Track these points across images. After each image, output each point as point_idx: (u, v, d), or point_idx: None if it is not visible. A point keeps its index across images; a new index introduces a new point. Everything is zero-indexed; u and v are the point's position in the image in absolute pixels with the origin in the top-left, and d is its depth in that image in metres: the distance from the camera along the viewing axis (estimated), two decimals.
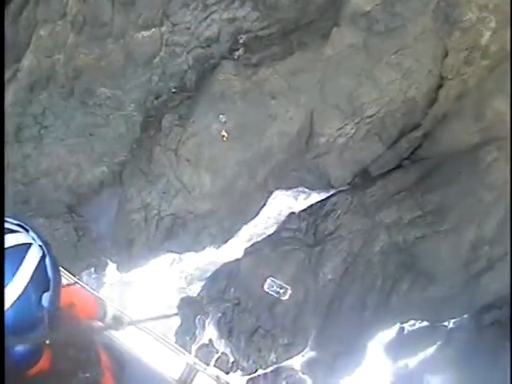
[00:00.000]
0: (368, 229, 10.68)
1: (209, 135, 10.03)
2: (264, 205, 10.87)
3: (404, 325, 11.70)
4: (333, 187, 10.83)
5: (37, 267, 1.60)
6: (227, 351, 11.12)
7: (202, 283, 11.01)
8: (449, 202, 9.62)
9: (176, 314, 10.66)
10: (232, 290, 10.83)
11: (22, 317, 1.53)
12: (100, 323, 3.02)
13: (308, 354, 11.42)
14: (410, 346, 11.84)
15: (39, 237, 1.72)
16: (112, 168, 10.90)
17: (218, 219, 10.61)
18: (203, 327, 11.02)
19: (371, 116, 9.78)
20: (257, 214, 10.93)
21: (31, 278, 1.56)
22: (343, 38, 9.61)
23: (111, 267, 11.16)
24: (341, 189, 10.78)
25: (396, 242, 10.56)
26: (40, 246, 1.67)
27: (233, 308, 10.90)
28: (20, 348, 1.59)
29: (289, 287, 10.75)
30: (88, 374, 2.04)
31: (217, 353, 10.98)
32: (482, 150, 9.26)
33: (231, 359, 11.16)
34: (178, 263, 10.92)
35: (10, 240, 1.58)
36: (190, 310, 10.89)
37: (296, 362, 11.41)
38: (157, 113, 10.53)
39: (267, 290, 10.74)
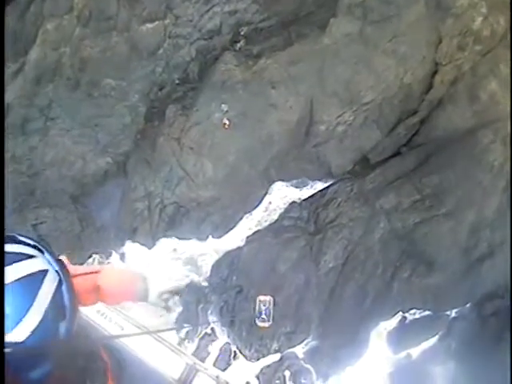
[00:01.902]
0: (368, 216, 10.84)
1: (211, 124, 10.28)
2: (266, 194, 11.05)
3: (406, 314, 11.77)
4: (333, 176, 11.02)
5: (53, 296, 1.54)
6: (229, 340, 11.16)
7: (204, 272, 11.10)
8: (447, 184, 9.81)
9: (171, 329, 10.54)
10: (234, 277, 10.92)
11: (37, 350, 1.49)
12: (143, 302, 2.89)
13: (310, 343, 11.45)
14: (411, 335, 11.87)
15: (54, 258, 1.64)
16: (116, 159, 11.12)
17: (220, 207, 10.77)
18: (206, 316, 11.07)
19: (368, 103, 10.04)
20: (259, 203, 11.10)
21: (47, 308, 1.51)
22: (340, 27, 9.95)
23: (115, 257, 11.29)
24: (341, 177, 10.96)
25: (396, 228, 10.70)
26: (56, 271, 1.60)
27: (235, 296, 10.97)
28: (34, 374, 1.54)
29: (269, 297, 10.13)
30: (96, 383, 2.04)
31: (217, 341, 11.01)
32: (478, 132, 9.49)
33: (233, 348, 11.18)
34: (179, 251, 11.03)
35: (26, 268, 1.51)
36: (192, 298, 10.97)
37: (298, 351, 11.43)
38: (161, 104, 10.81)
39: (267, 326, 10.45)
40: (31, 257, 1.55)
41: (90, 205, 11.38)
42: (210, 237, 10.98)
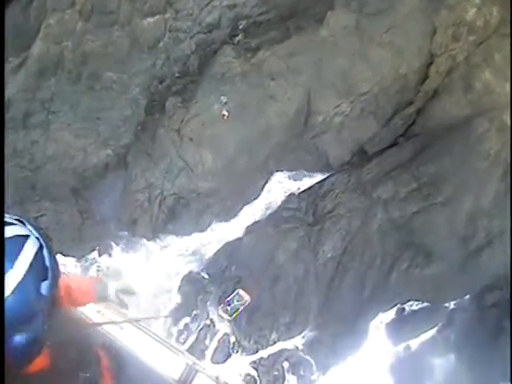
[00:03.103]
0: (366, 206, 10.94)
1: (211, 115, 10.43)
2: (265, 185, 11.16)
3: (404, 305, 11.80)
4: (331, 168, 11.14)
5: (35, 257, 1.63)
6: (228, 331, 11.18)
7: (204, 262, 11.16)
8: (443, 173, 9.94)
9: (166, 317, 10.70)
10: (233, 268, 10.98)
11: (22, 305, 1.55)
12: (103, 303, 3.12)
13: (309, 334, 11.46)
14: (411, 326, 11.88)
15: (36, 230, 1.74)
16: (117, 151, 11.23)
17: (220, 198, 10.88)
18: (205, 307, 11.11)
19: (365, 93, 10.22)
20: (258, 194, 11.21)
21: (30, 266, 1.59)
22: (337, 20, 10.17)
23: (115, 249, 11.35)
24: (339, 168, 11.09)
25: (393, 218, 10.80)
26: (37, 237, 1.70)
27: (234, 287, 11.01)
28: (20, 337, 1.60)
29: (238, 289, 10.71)
30: (88, 374, 2.07)
31: (216, 332, 11.03)
32: (474, 121, 9.65)
33: (232, 339, 11.20)
34: (179, 242, 11.11)
35: (7, 231, 1.61)
36: (191, 289, 11.02)
37: (297, 342, 11.44)
38: (161, 97, 10.97)
39: (233, 318, 10.70)
40: (14, 224, 1.65)
41: (91, 198, 11.47)
42: (209, 228, 11.07)
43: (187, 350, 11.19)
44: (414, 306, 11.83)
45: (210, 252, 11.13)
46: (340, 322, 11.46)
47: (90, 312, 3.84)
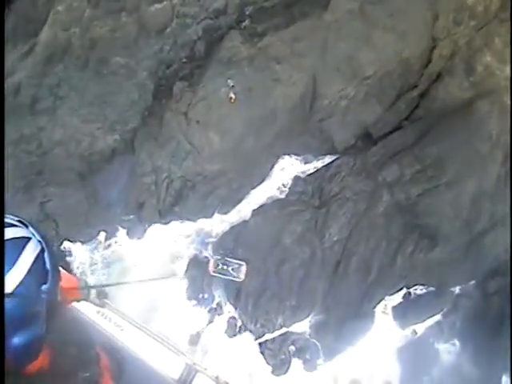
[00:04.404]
0: (371, 189, 11.05)
1: (217, 98, 10.58)
2: (271, 168, 11.27)
3: (410, 290, 11.84)
4: (336, 151, 11.28)
5: (35, 260, 1.62)
6: (235, 314, 11.16)
7: (210, 245, 11.20)
8: (447, 154, 10.10)
9: (173, 276, 10.73)
10: (239, 251, 11.02)
11: (21, 306, 1.53)
12: (86, 302, 3.05)
13: (315, 318, 11.46)
14: (416, 311, 11.90)
15: (38, 232, 1.74)
16: (124, 136, 11.33)
17: (226, 180, 10.97)
18: (210, 290, 11.12)
19: (369, 77, 10.40)
20: (264, 177, 11.31)
21: (30, 269, 1.58)
22: (341, 5, 10.40)
23: (121, 233, 11.38)
24: (344, 152, 11.22)
25: (398, 200, 10.91)
26: (39, 241, 1.70)
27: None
28: (19, 339, 1.58)
29: (243, 263, 10.67)
30: (88, 374, 2.06)
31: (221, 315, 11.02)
32: (476, 102, 9.84)
33: (239, 323, 11.19)
34: (186, 225, 11.16)
35: (9, 233, 1.60)
36: (198, 272, 11.03)
37: (303, 326, 11.42)
38: (168, 81, 11.12)
39: (214, 273, 10.63)
40: (15, 226, 1.66)
41: (98, 182, 11.53)
42: (216, 211, 11.14)
43: (193, 334, 11.26)
44: (419, 290, 11.89)
45: (216, 235, 11.19)
46: (346, 306, 11.49)
47: (90, 311, 3.87)
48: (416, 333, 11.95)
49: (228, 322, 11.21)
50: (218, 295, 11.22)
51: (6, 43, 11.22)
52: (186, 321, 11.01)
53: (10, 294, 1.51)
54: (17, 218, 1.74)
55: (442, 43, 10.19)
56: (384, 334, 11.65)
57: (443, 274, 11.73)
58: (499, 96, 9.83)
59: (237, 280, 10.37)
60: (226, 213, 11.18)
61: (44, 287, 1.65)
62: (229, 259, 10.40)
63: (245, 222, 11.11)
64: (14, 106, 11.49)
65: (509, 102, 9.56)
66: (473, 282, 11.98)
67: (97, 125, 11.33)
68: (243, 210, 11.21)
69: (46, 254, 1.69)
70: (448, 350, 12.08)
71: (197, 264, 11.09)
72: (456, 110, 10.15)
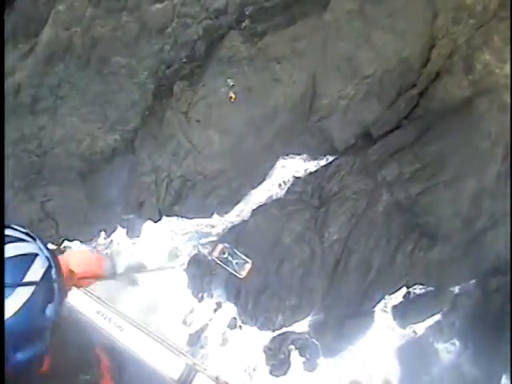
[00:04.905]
0: (371, 188, 11.06)
1: (217, 97, 10.61)
2: (271, 168, 11.29)
3: (410, 289, 11.82)
4: (336, 151, 11.30)
5: (42, 277, 1.58)
6: (235, 314, 11.14)
7: (210, 244, 11.20)
8: (446, 152, 10.13)
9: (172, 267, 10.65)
10: (240, 250, 10.99)
11: (25, 325, 1.50)
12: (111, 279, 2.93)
13: (315, 317, 11.44)
14: (416, 311, 11.88)
15: (46, 247, 1.69)
16: (124, 136, 11.35)
17: (226, 180, 10.98)
18: (210, 289, 11.11)
19: (369, 76, 10.44)
20: (264, 177, 11.33)
21: (36, 288, 1.54)
22: (341, 5, 10.45)
23: (121, 232, 11.38)
24: (344, 152, 11.25)
25: (398, 199, 10.92)
26: (46, 256, 1.65)
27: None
28: (22, 355, 1.56)
29: (249, 261, 10.55)
30: (88, 376, 2.03)
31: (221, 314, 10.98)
32: (475, 100, 9.88)
33: (239, 322, 11.16)
34: (186, 224, 11.16)
35: (17, 249, 1.56)
36: (198, 270, 11.03)
37: (303, 325, 11.39)
38: (168, 81, 11.14)
39: (217, 259, 10.45)
40: (23, 240, 1.61)
41: (98, 182, 11.53)
42: (216, 210, 11.15)
43: (193, 334, 11.24)
44: (418, 289, 11.87)
45: (216, 234, 11.19)
46: (346, 305, 11.47)
47: (90, 312, 3.86)
48: (416, 332, 11.94)
49: (228, 321, 11.18)
50: (218, 294, 11.21)
51: (6, 43, 11.27)
52: (186, 320, 10.99)
53: (15, 312, 1.46)
54: (24, 231, 1.68)
55: (441, 42, 10.25)
56: (384, 333, 11.64)
57: (443, 273, 11.73)
58: (498, 94, 9.87)
59: (237, 275, 10.29)
60: (225, 212, 11.19)
61: (49, 306, 1.61)
62: (237, 252, 10.26)
63: (245, 221, 11.12)
64: (15, 105, 11.51)
65: (508, 99, 9.60)
66: (473, 280, 12.00)
67: (97, 124, 11.35)
68: (243, 210, 11.22)
69: (53, 271, 1.65)
70: (448, 350, 12.07)
71: (197, 263, 11.08)
72: (455, 109, 10.19)
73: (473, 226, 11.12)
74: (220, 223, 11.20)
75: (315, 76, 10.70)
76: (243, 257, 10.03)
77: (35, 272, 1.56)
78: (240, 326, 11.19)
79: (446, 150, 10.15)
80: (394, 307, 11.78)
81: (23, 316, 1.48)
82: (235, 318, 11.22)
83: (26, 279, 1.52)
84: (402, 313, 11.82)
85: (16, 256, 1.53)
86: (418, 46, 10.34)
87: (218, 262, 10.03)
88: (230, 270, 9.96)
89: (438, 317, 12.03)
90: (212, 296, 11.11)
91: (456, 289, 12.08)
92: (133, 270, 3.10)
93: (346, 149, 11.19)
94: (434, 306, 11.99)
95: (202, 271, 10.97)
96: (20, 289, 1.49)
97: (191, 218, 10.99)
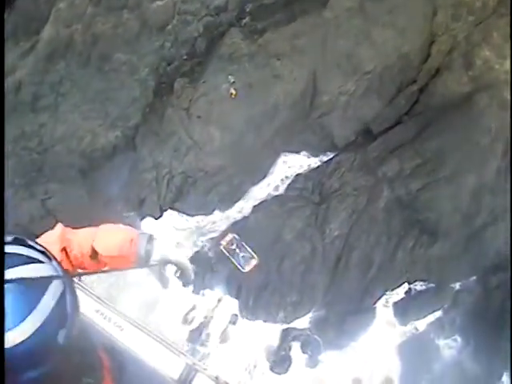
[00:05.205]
0: (371, 185, 11.11)
1: (218, 94, 10.66)
2: (272, 165, 11.32)
3: (411, 286, 11.85)
4: (337, 147, 11.34)
5: (57, 302, 1.54)
6: (236, 310, 11.15)
7: (211, 241, 11.21)
8: (447, 148, 10.17)
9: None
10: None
11: (36, 351, 1.48)
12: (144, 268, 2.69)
13: (316, 313, 11.47)
14: (417, 307, 11.91)
15: (62, 268, 1.65)
16: (125, 133, 11.38)
17: (227, 177, 11.01)
18: (212, 286, 11.11)
19: (369, 72, 10.50)
20: (265, 174, 11.36)
21: (50, 313, 1.50)
22: (341, 2, 10.54)
23: None
24: (344, 148, 11.29)
25: (399, 195, 10.97)
26: (62, 279, 1.60)
27: None
28: (33, 373, 1.53)
29: (256, 258, 10.36)
30: (91, 380, 2.01)
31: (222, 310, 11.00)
32: (475, 97, 9.93)
33: (240, 319, 11.16)
34: (186, 221, 11.18)
35: (33, 271, 1.52)
36: (199, 268, 11.03)
37: (304, 321, 11.42)
38: (169, 78, 11.20)
39: (224, 249, 10.13)
40: (39, 262, 1.56)
41: (99, 179, 11.56)
42: (217, 207, 11.16)
43: (193, 330, 11.24)
44: (419, 286, 11.91)
45: (216, 231, 11.21)
46: (347, 301, 11.50)
47: (90, 311, 3.85)
48: (417, 329, 11.97)
49: (228, 317, 11.18)
50: (219, 291, 11.20)
51: (7, 41, 11.32)
52: (187, 317, 11.00)
53: (27, 338, 1.43)
54: (41, 249, 1.62)
55: (441, 38, 10.32)
56: (385, 330, 11.66)
57: (444, 270, 11.75)
58: (498, 90, 9.93)
59: (240, 269, 10.12)
60: (226, 209, 11.20)
61: (62, 331, 1.56)
62: (245, 246, 9.97)
63: (245, 217, 11.13)
64: (16, 103, 11.57)
65: (508, 96, 9.65)
66: (474, 277, 12.03)
67: (98, 121, 11.39)
68: (244, 206, 11.24)
69: (67, 295, 1.60)
70: (449, 346, 12.09)
71: (197, 260, 11.08)
72: (455, 105, 10.24)
73: (473, 222, 11.16)
74: (220, 220, 11.19)
75: (315, 73, 10.76)
76: (251, 251, 9.74)
77: (50, 297, 1.52)
78: (241, 323, 11.17)
79: (446, 146, 10.19)
80: (395, 304, 11.78)
81: (34, 342, 1.45)
82: (236, 315, 11.19)
83: (41, 304, 1.48)
84: (403, 309, 11.82)
85: (32, 279, 1.49)
86: (418, 42, 10.41)
87: (224, 251, 9.79)
88: (235, 263, 9.67)
89: (439, 313, 12.01)
90: (213, 292, 11.09)
91: (457, 285, 12.08)
92: (171, 261, 2.64)
93: (347, 145, 11.23)
94: (435, 302, 11.98)
95: (203, 268, 10.97)
96: (32, 317, 1.45)
97: (192, 216, 10.98)
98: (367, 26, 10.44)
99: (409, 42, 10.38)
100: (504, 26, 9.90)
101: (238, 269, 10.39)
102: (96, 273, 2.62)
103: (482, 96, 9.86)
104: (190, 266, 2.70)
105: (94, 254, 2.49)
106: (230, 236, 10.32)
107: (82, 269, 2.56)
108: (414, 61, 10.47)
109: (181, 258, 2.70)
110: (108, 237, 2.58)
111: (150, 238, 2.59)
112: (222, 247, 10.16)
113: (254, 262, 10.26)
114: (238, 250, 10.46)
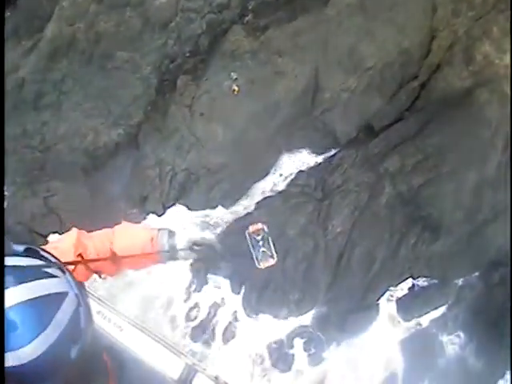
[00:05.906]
0: (373, 181, 11.15)
1: (221, 91, 10.72)
2: (274, 161, 11.35)
3: (414, 282, 11.86)
4: (339, 144, 11.39)
5: (70, 318, 1.54)
6: (238, 307, 11.13)
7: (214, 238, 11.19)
8: (448, 142, 10.23)
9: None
10: (243, 244, 11.00)
11: (47, 367, 1.49)
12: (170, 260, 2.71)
13: (319, 310, 11.45)
14: (420, 304, 11.91)
15: (75, 282, 1.63)
16: (128, 130, 11.41)
17: (230, 173, 11.03)
18: (214, 282, 11.09)
19: (370, 68, 10.57)
20: (267, 170, 11.39)
21: (63, 331, 1.50)
22: (341, 0, 10.61)
23: None
24: (346, 144, 11.33)
25: (401, 191, 11.00)
26: (76, 294, 1.59)
27: (244, 262, 11.01)
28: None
29: (276, 258, 9.37)
30: None
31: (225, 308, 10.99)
32: (475, 91, 10.01)
33: (242, 316, 11.13)
34: (189, 218, 11.18)
35: (48, 287, 1.50)
36: (202, 265, 11.02)
37: (307, 318, 11.40)
38: (172, 76, 11.25)
39: (249, 236, 9.41)
40: (54, 276, 1.55)
41: (102, 177, 11.58)
42: (219, 204, 11.18)
43: (197, 326, 11.21)
44: (422, 282, 11.91)
45: (219, 228, 11.21)
46: (349, 298, 11.49)
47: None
48: (420, 324, 11.96)
49: (231, 315, 11.15)
50: (222, 288, 11.19)
51: (9, 39, 11.39)
52: (189, 314, 10.97)
53: (40, 354, 1.44)
54: (54, 260, 1.61)
55: (442, 34, 10.41)
56: (388, 326, 11.64)
57: (446, 266, 11.76)
58: (499, 84, 10.01)
59: (256, 262, 9.65)
60: (229, 206, 11.20)
61: (75, 347, 1.57)
62: (270, 242, 9.59)
63: (248, 214, 11.14)
64: (18, 101, 11.60)
65: (508, 90, 9.73)
66: (476, 273, 12.05)
67: (101, 119, 11.42)
68: (246, 203, 11.24)
69: (81, 310, 1.60)
70: (452, 342, 12.08)
71: (200, 257, 11.06)
72: (456, 100, 10.31)
73: (474, 217, 11.19)
74: (223, 216, 11.21)
75: (317, 69, 10.83)
76: (273, 250, 9.38)
77: (64, 313, 1.51)
78: (244, 320, 11.14)
79: (447, 141, 10.25)
80: (399, 300, 11.78)
81: (46, 360, 1.45)
82: (239, 312, 11.16)
83: (54, 321, 1.47)
84: (407, 306, 11.81)
85: (46, 295, 1.48)
86: (419, 38, 10.50)
87: (247, 237, 9.43)
88: (253, 253, 9.37)
89: (442, 309, 12.00)
90: (216, 290, 11.07)
91: (460, 281, 12.08)
92: (197, 242, 2.80)
93: (348, 142, 11.27)
94: (438, 298, 11.97)
95: (206, 265, 10.96)
96: (46, 333, 1.45)
97: (195, 211, 11.00)
98: (368, 22, 10.53)
99: (409, 38, 10.47)
100: (504, 20, 10.00)
101: (255, 261, 9.88)
102: (114, 275, 2.65)
103: (482, 91, 9.94)
104: (215, 239, 2.91)
105: (114, 257, 2.49)
106: (259, 225, 9.62)
107: (99, 273, 2.55)
108: (414, 56, 10.56)
109: (204, 234, 2.95)
110: (127, 238, 2.59)
111: (171, 232, 2.73)
112: (247, 232, 9.65)
113: (271, 261, 9.88)
114: (261, 243, 10.01)
